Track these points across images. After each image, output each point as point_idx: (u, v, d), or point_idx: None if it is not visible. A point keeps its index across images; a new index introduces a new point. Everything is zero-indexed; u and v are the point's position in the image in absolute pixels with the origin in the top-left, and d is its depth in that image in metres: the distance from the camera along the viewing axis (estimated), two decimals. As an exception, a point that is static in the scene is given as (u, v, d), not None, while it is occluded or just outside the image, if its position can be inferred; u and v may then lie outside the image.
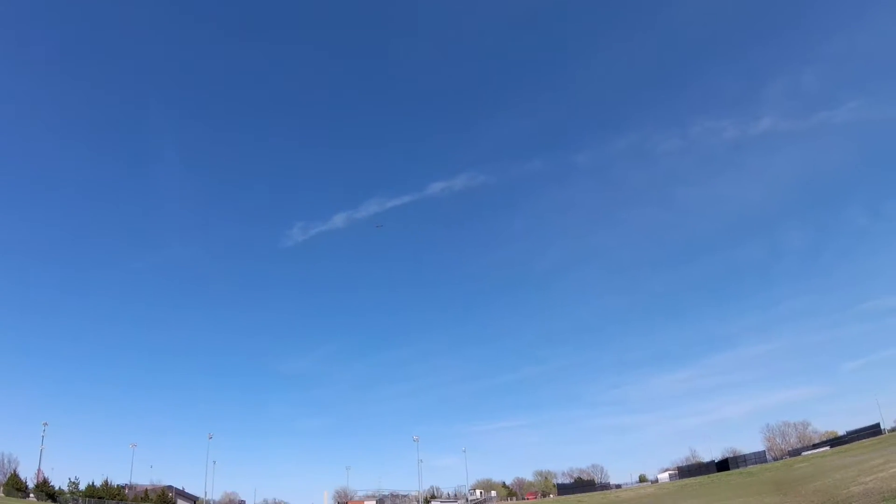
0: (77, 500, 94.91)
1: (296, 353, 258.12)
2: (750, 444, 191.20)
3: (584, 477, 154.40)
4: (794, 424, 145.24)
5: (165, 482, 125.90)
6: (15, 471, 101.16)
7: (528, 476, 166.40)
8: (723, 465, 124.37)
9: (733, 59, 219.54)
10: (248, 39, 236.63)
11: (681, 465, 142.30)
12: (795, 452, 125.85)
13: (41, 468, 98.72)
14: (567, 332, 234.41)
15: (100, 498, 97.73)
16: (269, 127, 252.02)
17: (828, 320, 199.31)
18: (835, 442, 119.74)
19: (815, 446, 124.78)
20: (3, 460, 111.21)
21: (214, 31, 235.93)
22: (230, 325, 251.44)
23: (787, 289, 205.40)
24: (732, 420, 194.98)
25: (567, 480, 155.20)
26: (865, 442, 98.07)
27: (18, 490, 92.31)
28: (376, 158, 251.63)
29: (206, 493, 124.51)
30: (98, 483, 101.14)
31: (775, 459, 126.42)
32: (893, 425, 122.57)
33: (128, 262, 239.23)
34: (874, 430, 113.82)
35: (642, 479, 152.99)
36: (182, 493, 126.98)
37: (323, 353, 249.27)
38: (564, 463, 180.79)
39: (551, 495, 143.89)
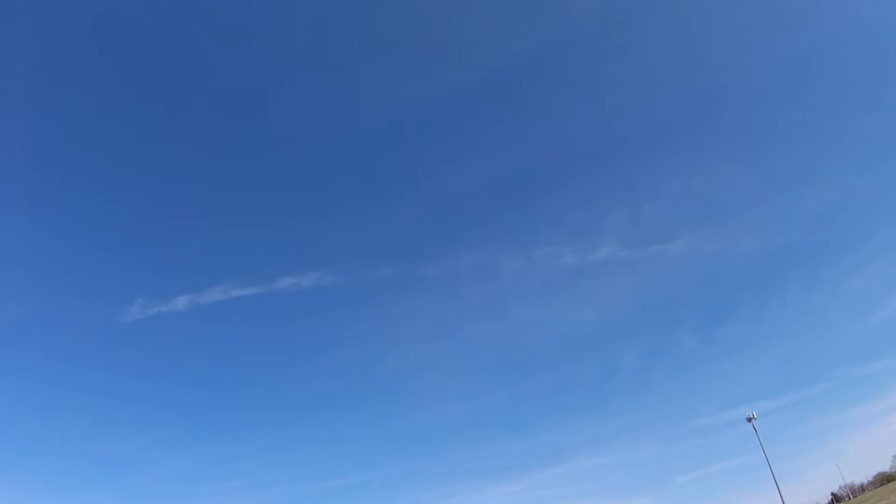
0: None
1: (119, 436, 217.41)
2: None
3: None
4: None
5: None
6: None
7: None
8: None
9: (577, 191, 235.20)
10: (110, 104, 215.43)
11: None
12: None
13: None
14: (401, 440, 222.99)
15: None
16: (119, 193, 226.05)
17: (660, 436, 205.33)
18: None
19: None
20: None
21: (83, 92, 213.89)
22: (46, 395, 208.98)
23: (619, 406, 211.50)
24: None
25: None
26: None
27: None
28: (224, 245, 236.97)
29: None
30: None
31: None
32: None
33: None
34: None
35: None
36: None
37: (148, 439, 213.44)
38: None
39: None
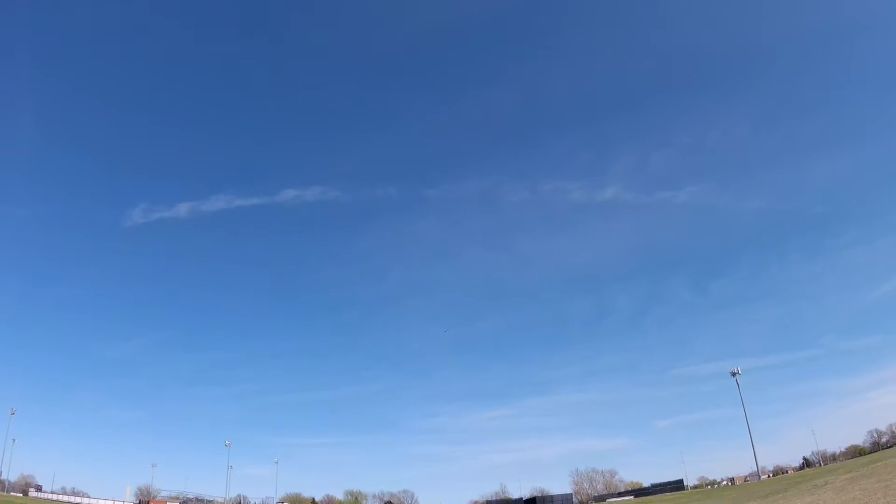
0: None
1: (118, 337, 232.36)
2: (559, 486, 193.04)
3: (395, 501, 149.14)
4: (603, 472, 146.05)
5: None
6: None
7: (339, 494, 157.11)
8: (531, 503, 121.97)
9: (589, 129, 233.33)
10: (121, 14, 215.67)
11: (490, 498, 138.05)
12: (601, 499, 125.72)
13: None
14: (391, 358, 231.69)
15: None
16: (124, 97, 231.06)
17: (644, 379, 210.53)
18: (639, 492, 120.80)
19: (620, 494, 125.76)
20: None
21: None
22: (47, 297, 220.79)
23: (609, 345, 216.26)
24: (544, 461, 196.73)
25: (377, 503, 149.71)
26: (668, 495, 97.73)
27: None
28: (228, 154, 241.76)
29: (1, 471, 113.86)
30: None
31: (581, 503, 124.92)
32: (696, 482, 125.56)
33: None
34: (677, 486, 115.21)
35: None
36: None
37: (146, 342, 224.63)
38: (377, 485, 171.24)
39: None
